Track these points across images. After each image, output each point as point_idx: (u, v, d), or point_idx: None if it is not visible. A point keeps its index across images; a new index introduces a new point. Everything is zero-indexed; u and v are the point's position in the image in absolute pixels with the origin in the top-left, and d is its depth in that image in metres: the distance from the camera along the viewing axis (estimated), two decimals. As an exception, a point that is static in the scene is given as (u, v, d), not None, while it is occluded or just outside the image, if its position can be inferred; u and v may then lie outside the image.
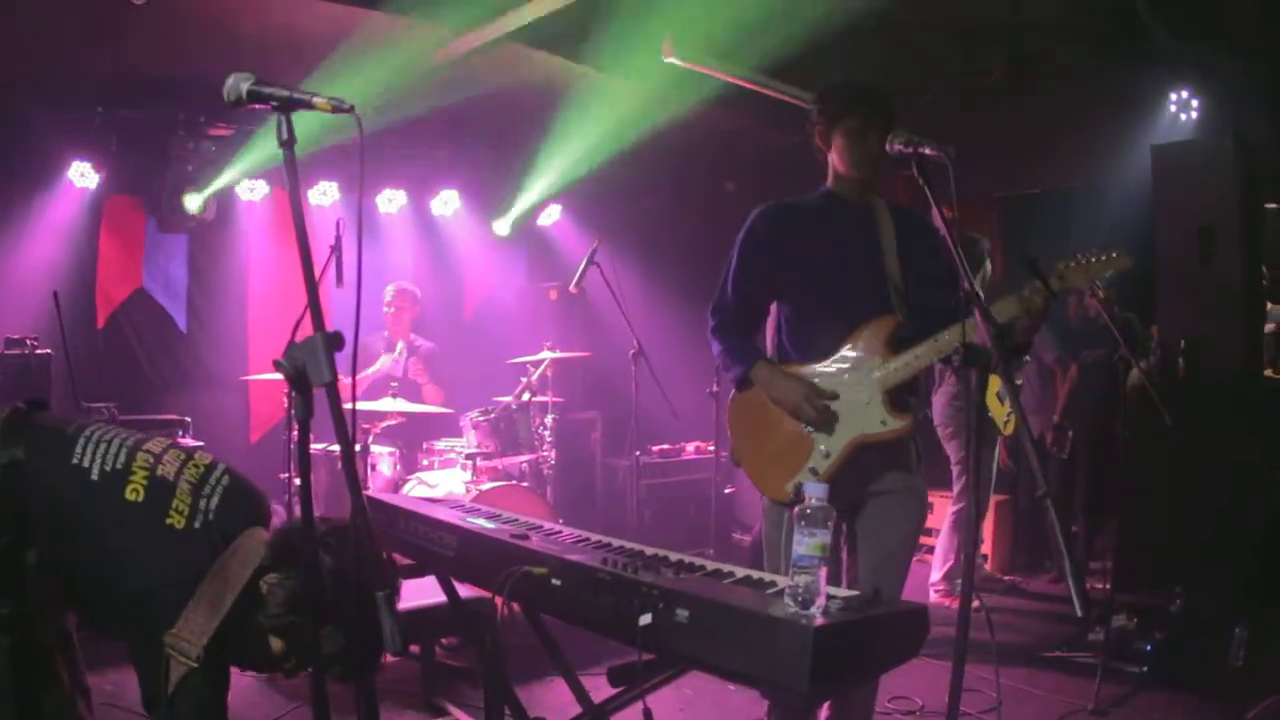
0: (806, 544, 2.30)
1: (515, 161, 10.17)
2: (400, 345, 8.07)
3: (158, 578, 2.80)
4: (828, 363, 3.85)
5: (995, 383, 7.12)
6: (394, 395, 7.29)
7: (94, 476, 2.89)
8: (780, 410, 3.86)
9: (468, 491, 6.73)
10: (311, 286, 2.32)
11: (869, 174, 3.91)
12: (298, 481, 6.81)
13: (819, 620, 2.22)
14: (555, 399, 8.12)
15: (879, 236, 3.99)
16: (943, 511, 7.24)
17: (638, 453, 8.09)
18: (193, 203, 8.41)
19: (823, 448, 3.79)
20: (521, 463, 7.50)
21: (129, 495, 2.88)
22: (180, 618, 2.73)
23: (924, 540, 7.14)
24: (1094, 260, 3.54)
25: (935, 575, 7.29)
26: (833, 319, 3.89)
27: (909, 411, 3.78)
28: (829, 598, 2.34)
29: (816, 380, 3.82)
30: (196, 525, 2.90)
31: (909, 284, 3.96)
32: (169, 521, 2.87)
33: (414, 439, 8.03)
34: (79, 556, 2.86)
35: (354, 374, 2.59)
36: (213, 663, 2.74)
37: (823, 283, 3.94)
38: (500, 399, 7.66)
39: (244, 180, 8.91)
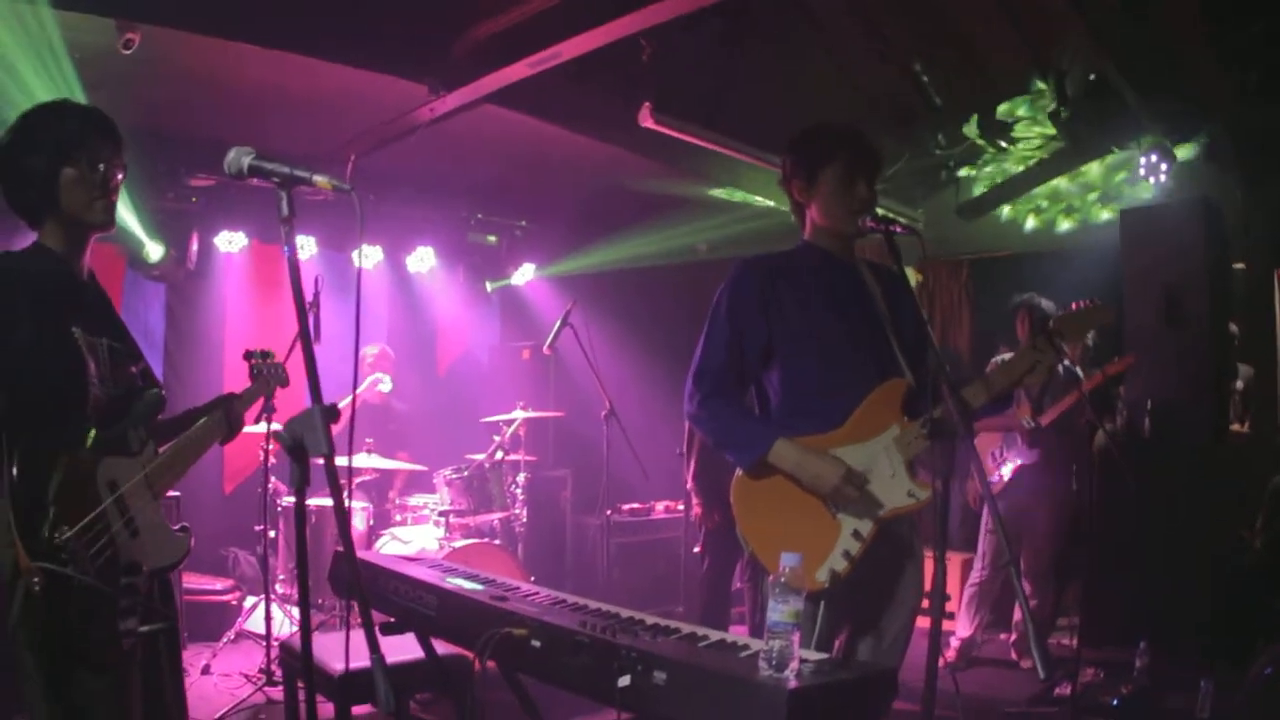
0: (781, 610, 2.36)
1: (491, 221, 10.30)
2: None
3: None
4: (839, 435, 3.53)
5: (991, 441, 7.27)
6: (369, 451, 7.36)
7: None
8: (801, 492, 3.48)
9: (441, 548, 6.77)
10: (309, 356, 2.34)
11: (858, 225, 3.56)
12: (272, 534, 6.91)
13: (792, 683, 2.28)
14: (527, 458, 8.18)
15: (871, 295, 3.73)
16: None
17: (608, 511, 8.11)
18: (154, 251, 8.48)
19: (854, 529, 3.43)
20: (493, 520, 7.56)
21: None
22: None
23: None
24: (1080, 312, 3.55)
25: (952, 643, 7.37)
26: (842, 386, 3.58)
27: (928, 481, 3.48)
28: (801, 661, 2.42)
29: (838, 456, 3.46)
30: None
31: (907, 345, 3.70)
32: None
33: (384, 490, 8.20)
34: None
35: (352, 426, 2.65)
36: None
37: (828, 347, 3.63)
38: (473, 457, 7.70)
39: (222, 232, 9.00)
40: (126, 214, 8.02)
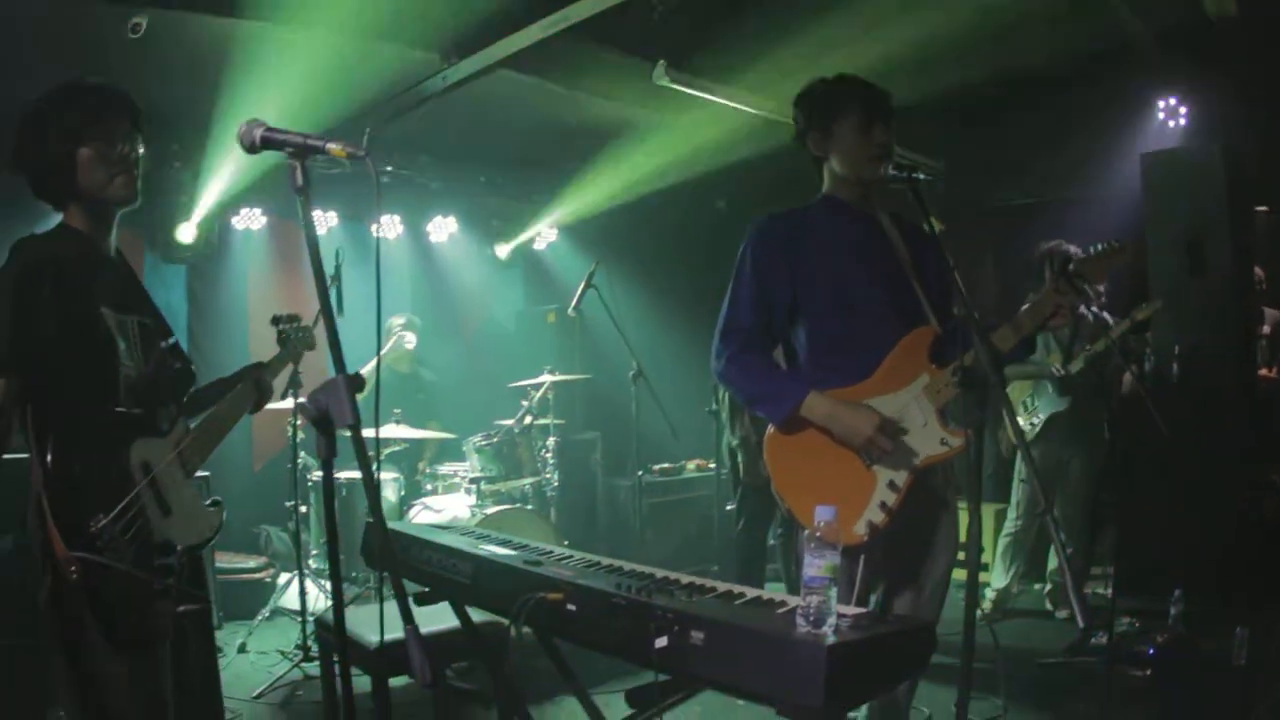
0: (817, 565, 2.33)
1: (510, 186, 10.25)
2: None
3: None
4: (869, 387, 3.52)
5: (1023, 389, 7.20)
6: (398, 421, 7.37)
7: None
8: (835, 445, 3.47)
9: (473, 516, 6.78)
10: (332, 329, 2.32)
11: (880, 172, 3.51)
12: (304, 509, 6.92)
13: (831, 639, 2.26)
14: (556, 421, 8.15)
15: (893, 245, 3.73)
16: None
17: (639, 472, 8.14)
18: (185, 234, 8.41)
19: (889, 479, 3.42)
20: (525, 485, 7.56)
21: None
22: None
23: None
24: (1099, 253, 3.59)
25: (988, 594, 7.41)
26: (869, 338, 3.56)
27: (961, 428, 3.46)
28: (839, 616, 2.40)
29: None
30: None
31: (931, 293, 3.69)
32: None
33: (414, 460, 8.30)
34: None
35: (377, 399, 2.64)
36: None
37: (854, 299, 3.61)
38: (502, 422, 7.71)
39: (241, 210, 8.98)
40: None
